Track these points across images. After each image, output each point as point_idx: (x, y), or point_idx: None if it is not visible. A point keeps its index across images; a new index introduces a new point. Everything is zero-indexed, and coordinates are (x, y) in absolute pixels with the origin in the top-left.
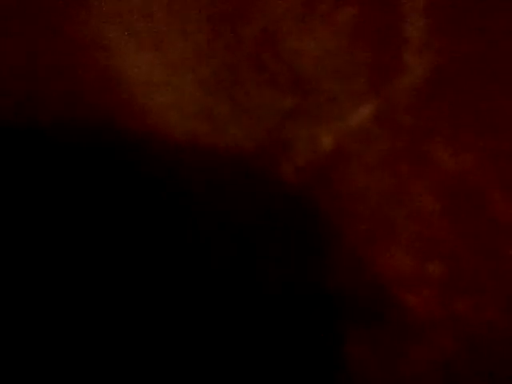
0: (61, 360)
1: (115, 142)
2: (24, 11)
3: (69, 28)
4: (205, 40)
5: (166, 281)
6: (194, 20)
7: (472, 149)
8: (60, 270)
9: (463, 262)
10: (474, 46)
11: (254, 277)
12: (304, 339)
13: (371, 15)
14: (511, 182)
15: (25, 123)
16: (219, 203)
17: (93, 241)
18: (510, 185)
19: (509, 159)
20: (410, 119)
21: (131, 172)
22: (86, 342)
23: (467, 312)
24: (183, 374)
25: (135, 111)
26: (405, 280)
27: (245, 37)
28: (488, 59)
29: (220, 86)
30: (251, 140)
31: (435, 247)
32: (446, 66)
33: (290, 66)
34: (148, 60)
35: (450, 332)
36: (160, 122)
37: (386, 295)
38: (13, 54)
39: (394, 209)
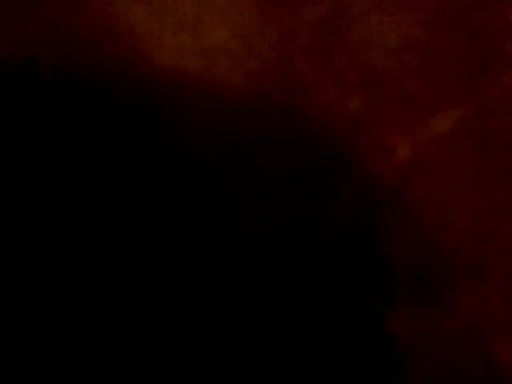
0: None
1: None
2: None
3: (93, 7)
4: (254, 27)
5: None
6: (241, 1)
7: None
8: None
9: None
10: None
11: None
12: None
13: None
14: None
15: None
16: None
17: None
18: None
19: None
20: (506, 130)
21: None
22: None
23: None
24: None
25: (166, 110)
26: (495, 324)
27: (303, 24)
28: None
29: (272, 82)
30: (308, 149)
31: None
32: None
33: (358, 60)
34: (182, 46)
35: None
36: (196, 127)
37: (473, 341)
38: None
39: (482, 239)
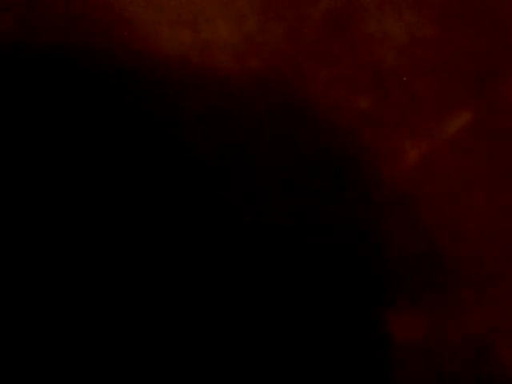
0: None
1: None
2: None
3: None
4: (256, 22)
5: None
6: None
7: None
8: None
9: None
10: None
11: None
12: None
13: None
14: None
15: None
16: None
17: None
18: None
19: None
20: None
21: None
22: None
23: None
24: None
25: (165, 98)
26: (501, 330)
27: (308, 20)
28: None
29: (274, 80)
30: (317, 150)
31: None
32: None
33: (366, 58)
34: (180, 40)
35: None
36: (195, 118)
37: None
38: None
39: (494, 243)
